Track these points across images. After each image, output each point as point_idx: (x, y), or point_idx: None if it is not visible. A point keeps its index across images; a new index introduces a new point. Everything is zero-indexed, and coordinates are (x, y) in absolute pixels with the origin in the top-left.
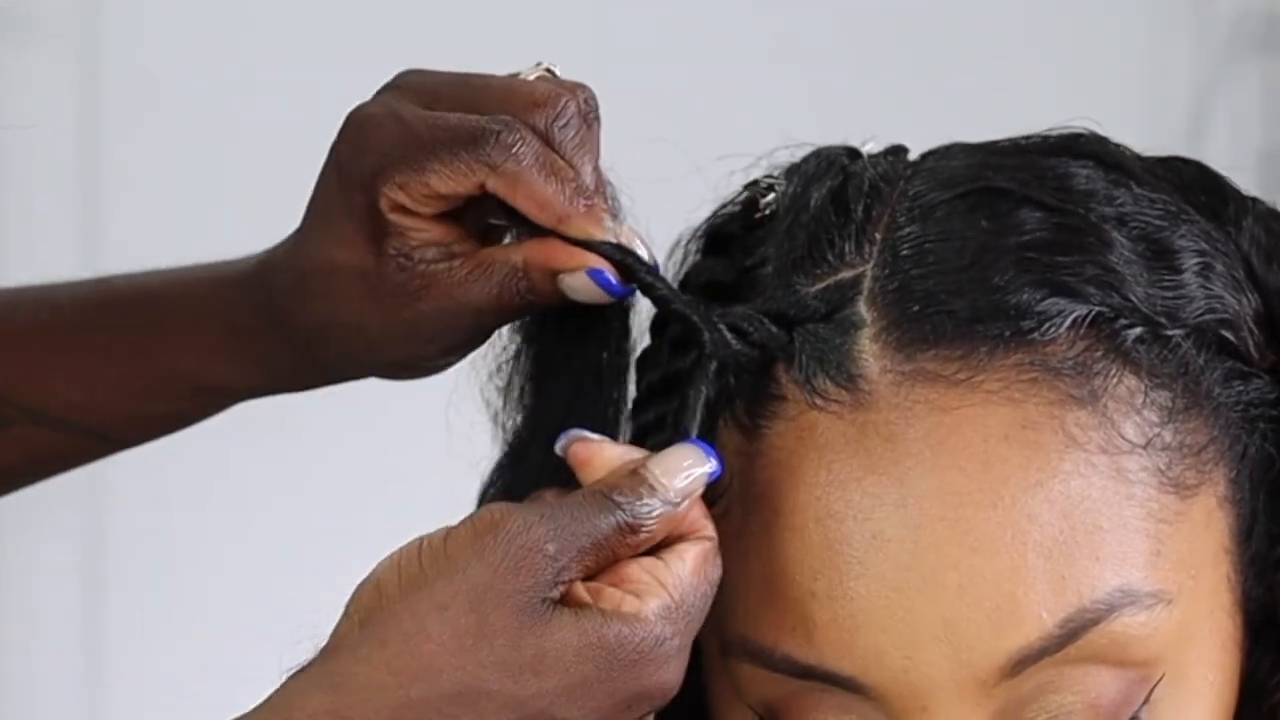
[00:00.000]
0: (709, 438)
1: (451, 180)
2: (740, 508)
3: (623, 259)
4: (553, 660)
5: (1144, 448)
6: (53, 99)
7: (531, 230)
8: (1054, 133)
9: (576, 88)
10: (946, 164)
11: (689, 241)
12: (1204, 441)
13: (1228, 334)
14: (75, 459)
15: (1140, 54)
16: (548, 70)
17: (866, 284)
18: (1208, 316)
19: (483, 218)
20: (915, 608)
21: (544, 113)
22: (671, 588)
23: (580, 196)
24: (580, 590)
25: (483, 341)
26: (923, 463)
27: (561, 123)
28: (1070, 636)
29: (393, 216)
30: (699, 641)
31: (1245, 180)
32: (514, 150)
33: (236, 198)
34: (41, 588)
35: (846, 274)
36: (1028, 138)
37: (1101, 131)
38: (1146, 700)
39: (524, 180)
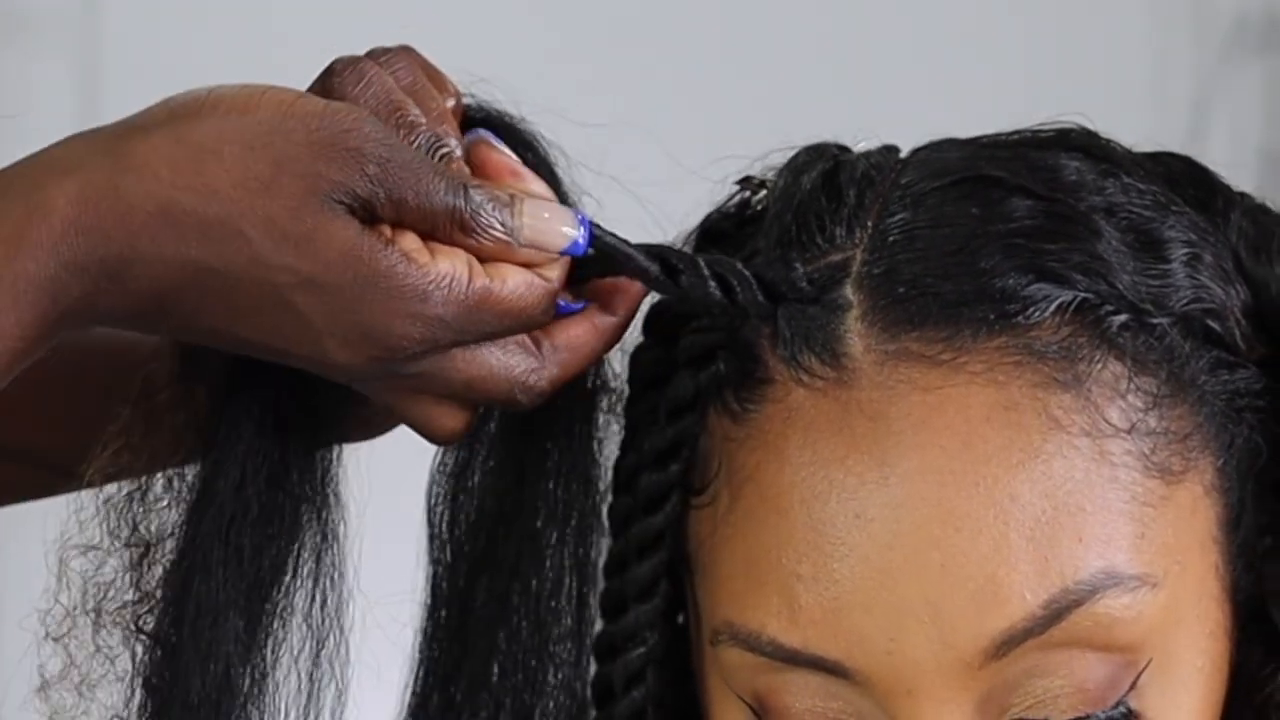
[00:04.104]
0: (698, 427)
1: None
2: (727, 493)
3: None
4: (317, 247)
5: (1128, 432)
6: (53, 99)
7: None
8: (1044, 128)
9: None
10: (939, 155)
11: (684, 244)
12: (1189, 428)
13: (1214, 324)
14: (37, 491)
15: (1140, 54)
16: None
17: (855, 267)
18: (1194, 305)
19: None
20: (898, 588)
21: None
22: (475, 274)
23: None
24: (385, 228)
25: None
26: (904, 441)
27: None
28: (1054, 618)
29: None
30: (690, 635)
31: (1245, 180)
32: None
33: None
34: None
35: (836, 257)
36: (1018, 132)
37: (1098, 129)
38: (1134, 685)
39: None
